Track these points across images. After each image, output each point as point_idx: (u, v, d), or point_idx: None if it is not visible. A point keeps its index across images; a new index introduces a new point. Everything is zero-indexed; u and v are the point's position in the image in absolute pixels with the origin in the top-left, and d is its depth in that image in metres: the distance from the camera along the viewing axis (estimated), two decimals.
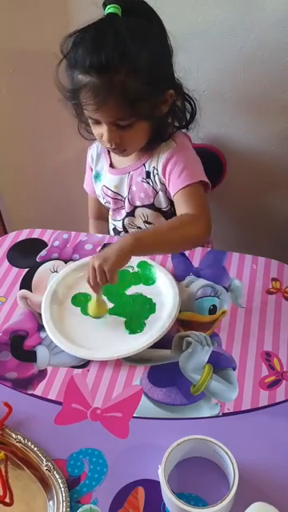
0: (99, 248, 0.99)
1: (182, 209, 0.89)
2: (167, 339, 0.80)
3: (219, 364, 0.77)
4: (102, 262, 0.76)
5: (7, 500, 0.63)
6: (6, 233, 1.23)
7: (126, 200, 1.02)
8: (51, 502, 0.62)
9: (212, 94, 1.15)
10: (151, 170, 0.96)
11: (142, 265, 0.92)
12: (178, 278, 0.90)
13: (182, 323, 0.83)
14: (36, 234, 1.04)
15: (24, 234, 1.04)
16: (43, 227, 1.05)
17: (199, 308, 0.85)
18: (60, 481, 0.63)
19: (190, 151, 0.97)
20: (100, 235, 1.04)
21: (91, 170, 1.10)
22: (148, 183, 0.98)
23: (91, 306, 0.84)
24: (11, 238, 1.03)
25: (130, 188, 1.00)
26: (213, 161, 1.21)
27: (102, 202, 1.10)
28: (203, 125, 1.18)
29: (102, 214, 1.18)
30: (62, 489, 0.62)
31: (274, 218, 1.35)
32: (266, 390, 0.73)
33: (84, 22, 0.84)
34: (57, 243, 1.01)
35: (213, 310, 0.85)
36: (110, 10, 0.80)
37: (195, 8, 1.04)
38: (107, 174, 1.04)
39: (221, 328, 0.82)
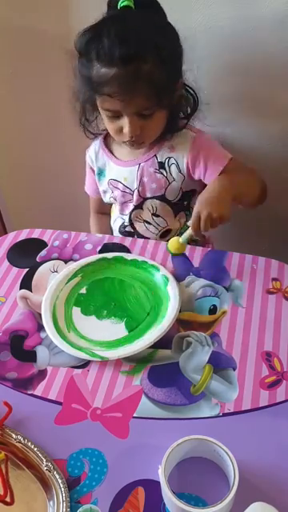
0: (99, 248, 0.99)
1: None
2: (167, 339, 0.80)
3: (219, 364, 0.76)
4: (213, 213, 0.79)
5: (8, 499, 0.63)
6: (6, 233, 1.23)
7: (136, 192, 1.02)
8: (51, 502, 0.62)
9: (212, 93, 1.14)
10: (164, 160, 0.96)
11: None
12: (178, 278, 0.90)
13: (182, 323, 0.83)
14: (36, 233, 1.04)
15: (24, 234, 1.04)
16: (43, 227, 1.05)
17: (199, 308, 0.85)
18: (60, 481, 0.63)
19: (207, 134, 1.00)
20: (100, 235, 1.04)
21: (92, 170, 1.10)
22: (161, 173, 0.98)
23: (175, 243, 0.87)
24: (11, 238, 1.03)
25: (140, 179, 1.00)
26: None
27: (108, 198, 1.10)
28: (203, 124, 1.18)
29: (103, 209, 1.18)
30: (62, 489, 0.62)
31: (275, 217, 1.35)
32: (266, 390, 0.73)
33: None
34: (57, 243, 1.01)
35: (213, 309, 0.85)
36: (124, 3, 0.81)
37: (196, 8, 1.04)
38: (114, 167, 1.03)
39: (221, 328, 0.82)
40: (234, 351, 0.78)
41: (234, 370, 0.76)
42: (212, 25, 1.05)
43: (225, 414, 0.70)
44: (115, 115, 0.86)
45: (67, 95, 0.94)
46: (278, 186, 1.28)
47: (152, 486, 0.62)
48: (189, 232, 0.84)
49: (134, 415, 0.71)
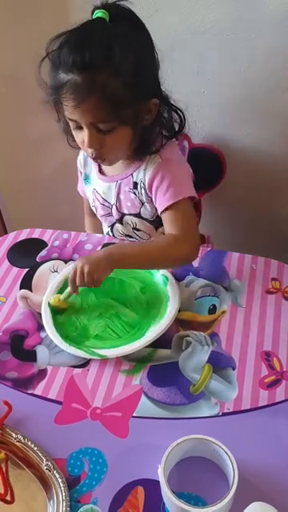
0: (99, 248, 0.99)
1: (168, 229, 0.89)
2: (167, 339, 0.80)
3: (219, 364, 0.77)
4: (84, 266, 0.80)
5: (8, 498, 0.63)
6: (6, 233, 1.24)
7: (114, 207, 1.01)
8: (51, 502, 0.62)
9: (212, 94, 1.15)
10: (138, 181, 0.94)
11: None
12: (178, 277, 0.90)
13: (182, 323, 0.83)
14: (36, 233, 1.04)
15: (24, 234, 1.04)
16: (43, 227, 1.05)
17: (199, 308, 0.85)
18: (60, 480, 0.63)
19: (176, 165, 0.93)
20: (99, 235, 1.04)
21: (80, 173, 1.09)
22: (135, 194, 0.96)
23: (56, 296, 0.86)
24: (11, 238, 1.03)
25: (117, 196, 0.99)
26: (213, 161, 1.21)
27: (91, 205, 1.09)
28: (203, 125, 1.18)
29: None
30: (62, 488, 0.62)
31: (274, 217, 1.35)
32: (265, 390, 0.73)
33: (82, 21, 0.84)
34: (57, 243, 1.01)
35: (212, 309, 0.85)
36: (97, 15, 0.80)
37: (195, 8, 1.04)
38: (96, 179, 1.03)
39: (220, 328, 0.82)
40: (234, 351, 0.78)
41: (234, 369, 0.76)
42: (212, 25, 1.05)
43: (224, 414, 0.70)
44: (78, 126, 0.85)
45: None
46: (278, 187, 1.28)
47: (152, 486, 0.62)
48: (68, 289, 0.84)
49: (134, 415, 0.71)
